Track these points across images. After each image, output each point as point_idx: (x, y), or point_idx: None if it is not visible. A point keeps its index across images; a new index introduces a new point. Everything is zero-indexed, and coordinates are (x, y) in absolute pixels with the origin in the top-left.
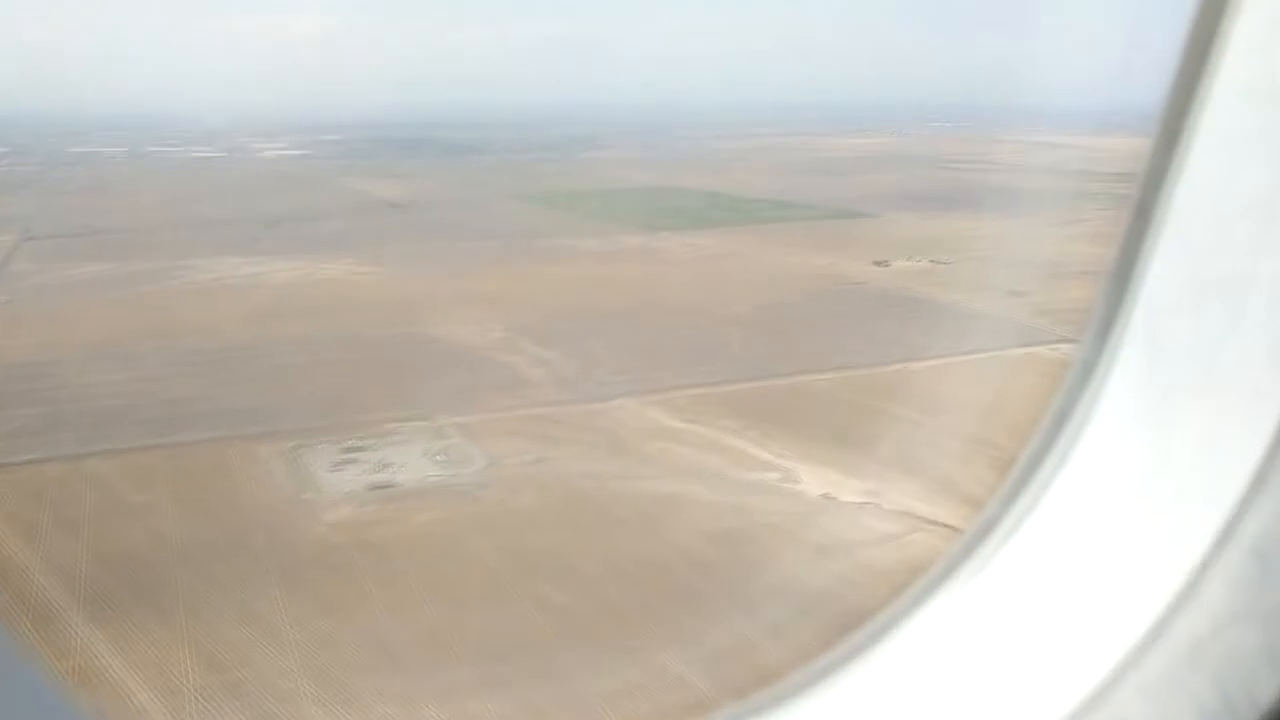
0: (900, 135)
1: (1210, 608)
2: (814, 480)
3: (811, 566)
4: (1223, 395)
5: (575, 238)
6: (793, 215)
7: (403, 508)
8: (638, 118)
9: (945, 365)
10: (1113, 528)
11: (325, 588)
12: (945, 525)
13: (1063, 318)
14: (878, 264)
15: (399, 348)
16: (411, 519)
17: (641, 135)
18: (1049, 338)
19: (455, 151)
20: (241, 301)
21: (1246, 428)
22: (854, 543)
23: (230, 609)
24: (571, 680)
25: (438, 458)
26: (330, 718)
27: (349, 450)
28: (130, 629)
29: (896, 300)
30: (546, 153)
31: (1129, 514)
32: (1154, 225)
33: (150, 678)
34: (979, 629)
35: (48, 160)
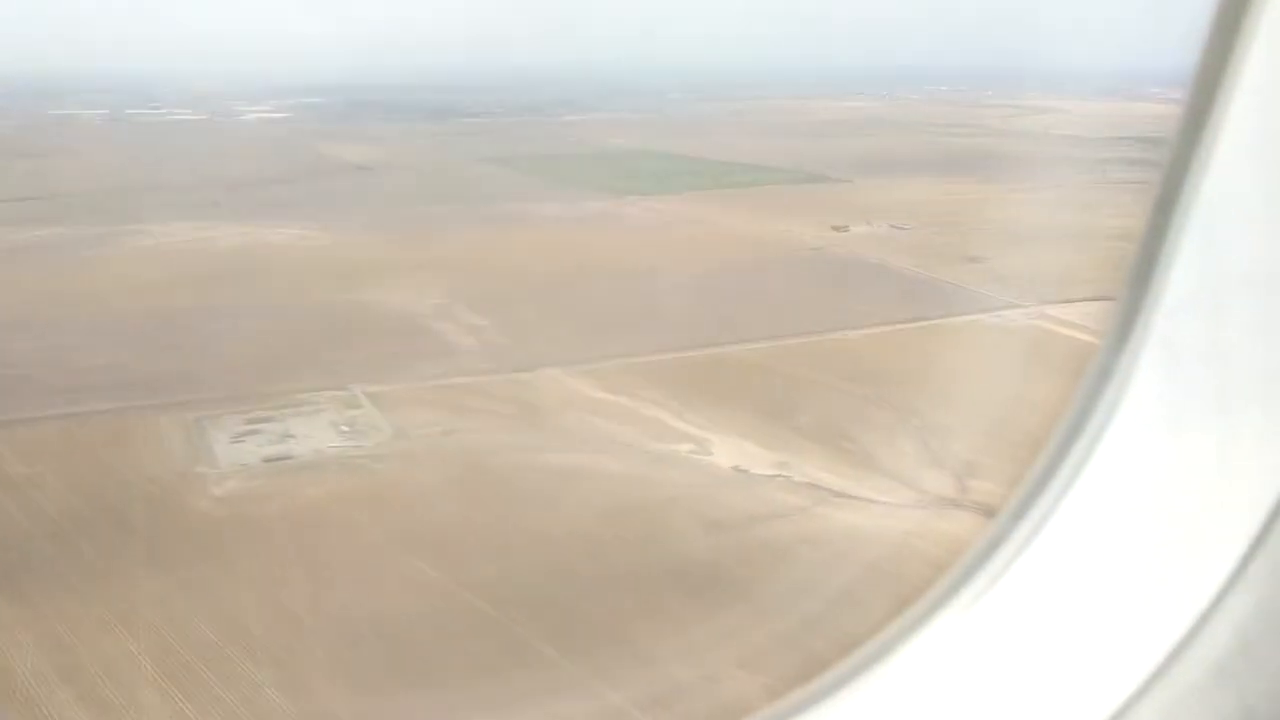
0: (889, 99)
1: (1236, 622)
2: (727, 452)
3: (703, 542)
4: (1247, 402)
5: (539, 202)
6: (763, 179)
7: (294, 481)
8: (624, 79)
9: (884, 333)
10: (1132, 541)
11: (194, 566)
12: (851, 497)
13: (1013, 284)
14: (836, 229)
15: (330, 315)
16: (301, 493)
17: (627, 97)
18: (995, 304)
19: (436, 114)
20: (182, 267)
21: (1271, 437)
22: (754, 516)
23: (90, 588)
24: (425, 658)
25: (342, 429)
26: (163, 700)
27: (254, 421)
28: None
29: (848, 266)
30: (529, 115)
31: (1149, 526)
32: (1175, 222)
33: None
34: (993, 645)
35: (23, 123)
